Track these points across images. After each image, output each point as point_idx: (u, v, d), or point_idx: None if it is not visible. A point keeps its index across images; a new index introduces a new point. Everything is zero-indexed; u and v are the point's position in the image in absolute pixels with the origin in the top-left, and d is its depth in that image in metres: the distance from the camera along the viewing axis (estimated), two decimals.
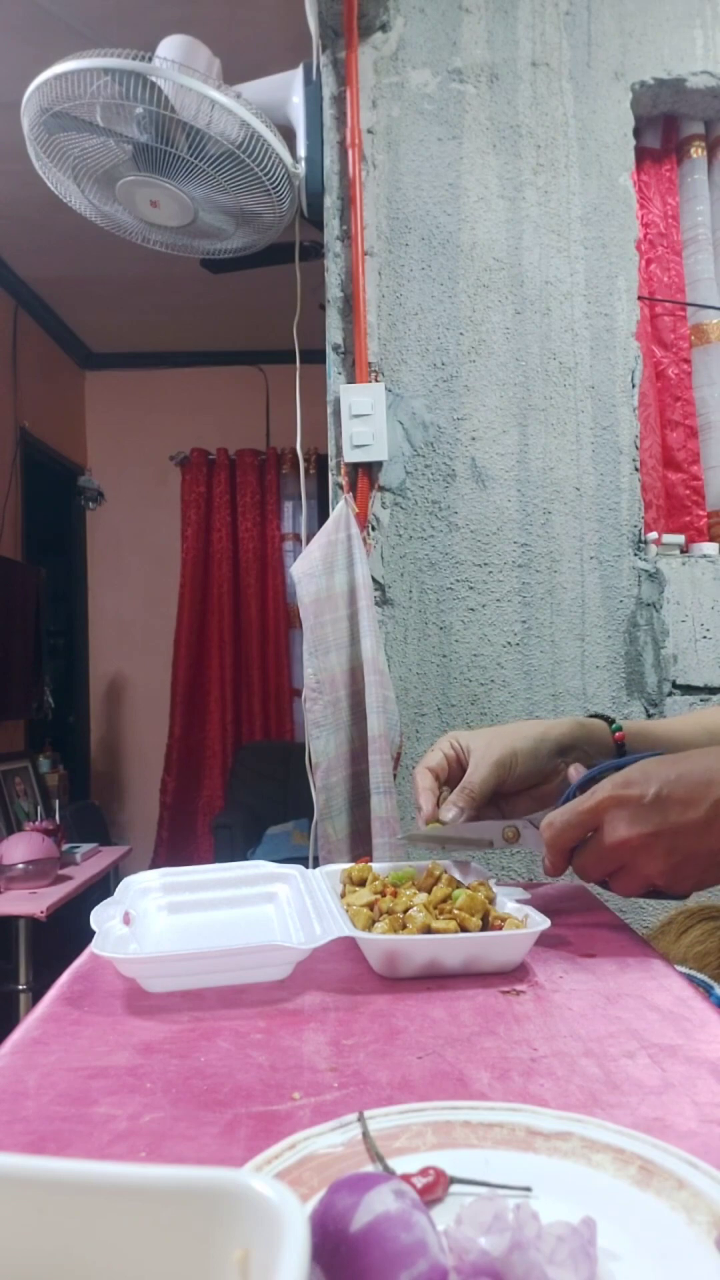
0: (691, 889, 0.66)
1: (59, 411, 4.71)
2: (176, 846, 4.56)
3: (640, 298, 1.79)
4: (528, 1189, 0.41)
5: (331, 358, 1.75)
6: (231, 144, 1.60)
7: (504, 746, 0.84)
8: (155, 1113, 0.49)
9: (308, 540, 1.71)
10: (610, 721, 0.90)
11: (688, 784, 0.63)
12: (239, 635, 4.72)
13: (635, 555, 1.73)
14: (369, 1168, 0.41)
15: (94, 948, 0.67)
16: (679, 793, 0.63)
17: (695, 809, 0.62)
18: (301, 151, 1.78)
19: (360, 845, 1.63)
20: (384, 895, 0.78)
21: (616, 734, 0.89)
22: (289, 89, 1.82)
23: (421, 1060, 0.55)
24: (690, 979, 0.72)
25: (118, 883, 0.88)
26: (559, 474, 1.74)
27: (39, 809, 3.66)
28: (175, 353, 4.88)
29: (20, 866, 2.79)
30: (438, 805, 0.82)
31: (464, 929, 0.71)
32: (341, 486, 1.73)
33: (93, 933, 0.70)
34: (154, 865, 2.57)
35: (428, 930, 0.71)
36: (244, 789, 4.18)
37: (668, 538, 1.78)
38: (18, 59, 2.62)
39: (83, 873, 3.06)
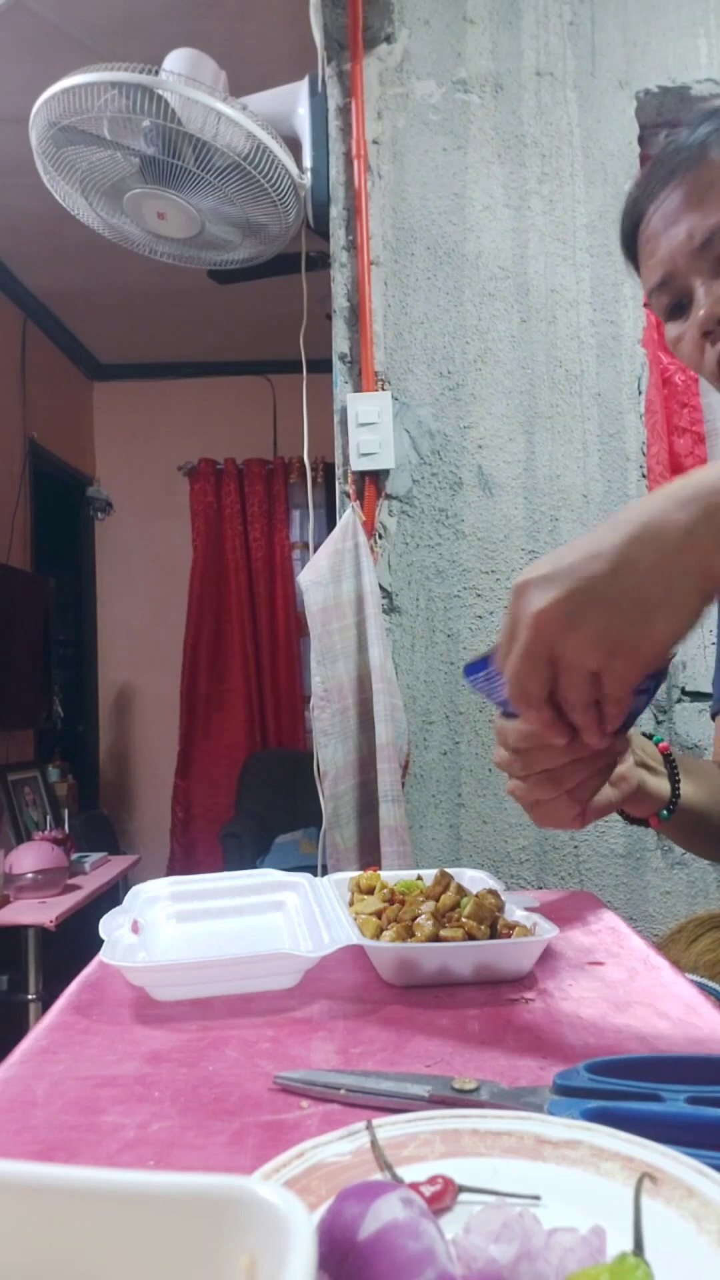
0: (633, 668, 0.53)
1: (67, 422, 4.74)
2: (186, 855, 4.56)
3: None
4: (536, 1197, 0.40)
5: (338, 367, 1.76)
6: (238, 156, 1.61)
7: None
8: (164, 1121, 0.49)
9: (315, 549, 1.72)
10: (649, 736, 0.89)
11: (591, 537, 0.54)
12: (249, 644, 4.73)
13: None
14: (377, 1176, 0.41)
15: (103, 956, 0.67)
16: (582, 546, 0.54)
17: (601, 557, 0.53)
18: (307, 162, 1.79)
19: (368, 853, 1.63)
20: (392, 903, 0.78)
21: (660, 744, 0.88)
22: (295, 101, 1.83)
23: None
24: (700, 987, 0.72)
25: (126, 892, 0.88)
26: (566, 481, 1.74)
27: (48, 818, 3.66)
28: (183, 363, 4.91)
29: (30, 876, 2.79)
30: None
31: (472, 937, 0.71)
32: (349, 495, 1.73)
33: (101, 941, 0.70)
34: (170, 874, 2.57)
35: (436, 938, 0.71)
36: (253, 798, 4.18)
37: None
38: (26, 74, 2.64)
39: (92, 882, 3.06)
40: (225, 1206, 0.27)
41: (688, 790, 0.88)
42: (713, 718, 1.08)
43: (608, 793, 0.73)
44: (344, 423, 1.73)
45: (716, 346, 0.81)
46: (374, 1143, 0.43)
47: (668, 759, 0.88)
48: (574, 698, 0.55)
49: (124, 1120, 0.50)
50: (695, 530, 0.51)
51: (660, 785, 0.86)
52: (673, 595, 0.52)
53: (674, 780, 0.88)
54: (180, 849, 4.57)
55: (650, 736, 0.89)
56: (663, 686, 1.72)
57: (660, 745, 0.88)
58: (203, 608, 4.71)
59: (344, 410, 1.73)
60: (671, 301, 0.82)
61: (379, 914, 0.76)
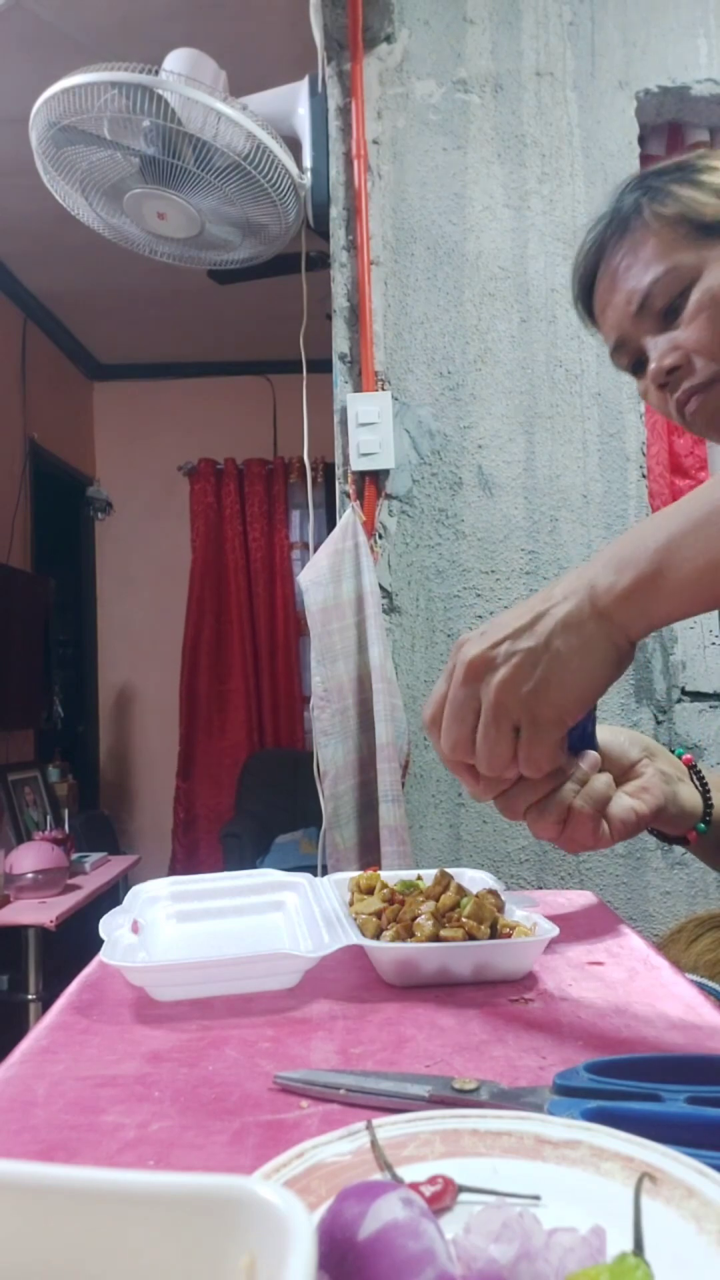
0: (548, 715, 0.58)
1: (68, 423, 4.74)
2: (186, 855, 4.56)
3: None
4: (536, 1197, 0.40)
5: (338, 367, 1.76)
6: (238, 156, 1.61)
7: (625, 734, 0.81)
8: (164, 1121, 0.49)
9: (315, 549, 1.72)
10: (674, 750, 0.88)
11: (532, 598, 0.61)
12: (248, 644, 4.73)
13: None
14: (377, 1176, 0.41)
15: (103, 956, 0.67)
16: (521, 606, 0.61)
17: (530, 614, 0.59)
18: (307, 162, 1.79)
19: (368, 853, 1.63)
20: (392, 903, 0.78)
21: (684, 756, 0.87)
22: (295, 101, 1.83)
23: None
24: (700, 987, 0.72)
25: (126, 892, 0.88)
26: (566, 481, 1.74)
27: (48, 818, 3.66)
28: (183, 363, 4.91)
29: (30, 876, 2.79)
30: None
31: (472, 937, 0.71)
32: (349, 495, 1.73)
33: (101, 941, 0.70)
34: (171, 874, 2.57)
35: (436, 938, 0.71)
36: (253, 798, 4.19)
37: None
38: (26, 74, 2.64)
39: (92, 882, 3.06)
40: (225, 1206, 0.27)
41: None
42: None
43: (629, 804, 0.73)
44: (344, 423, 1.73)
45: (675, 394, 0.86)
46: (374, 1143, 0.43)
47: (694, 770, 0.86)
48: (488, 738, 0.61)
49: (124, 1120, 0.50)
50: (620, 593, 0.55)
51: (692, 797, 0.83)
52: (589, 652, 0.57)
53: (705, 791, 0.86)
54: (181, 849, 4.57)
55: (675, 751, 0.87)
56: (662, 687, 1.72)
57: (684, 758, 0.86)
58: (202, 608, 4.71)
59: (344, 410, 1.73)
60: (631, 361, 0.88)
61: (379, 914, 0.76)
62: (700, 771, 0.87)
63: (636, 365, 0.88)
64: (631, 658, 0.59)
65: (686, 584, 0.54)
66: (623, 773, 0.78)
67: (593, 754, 0.68)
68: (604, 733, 0.78)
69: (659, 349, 0.82)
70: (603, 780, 0.70)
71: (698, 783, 0.86)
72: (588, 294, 0.91)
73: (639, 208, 0.84)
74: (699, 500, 0.55)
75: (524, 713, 0.59)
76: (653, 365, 0.83)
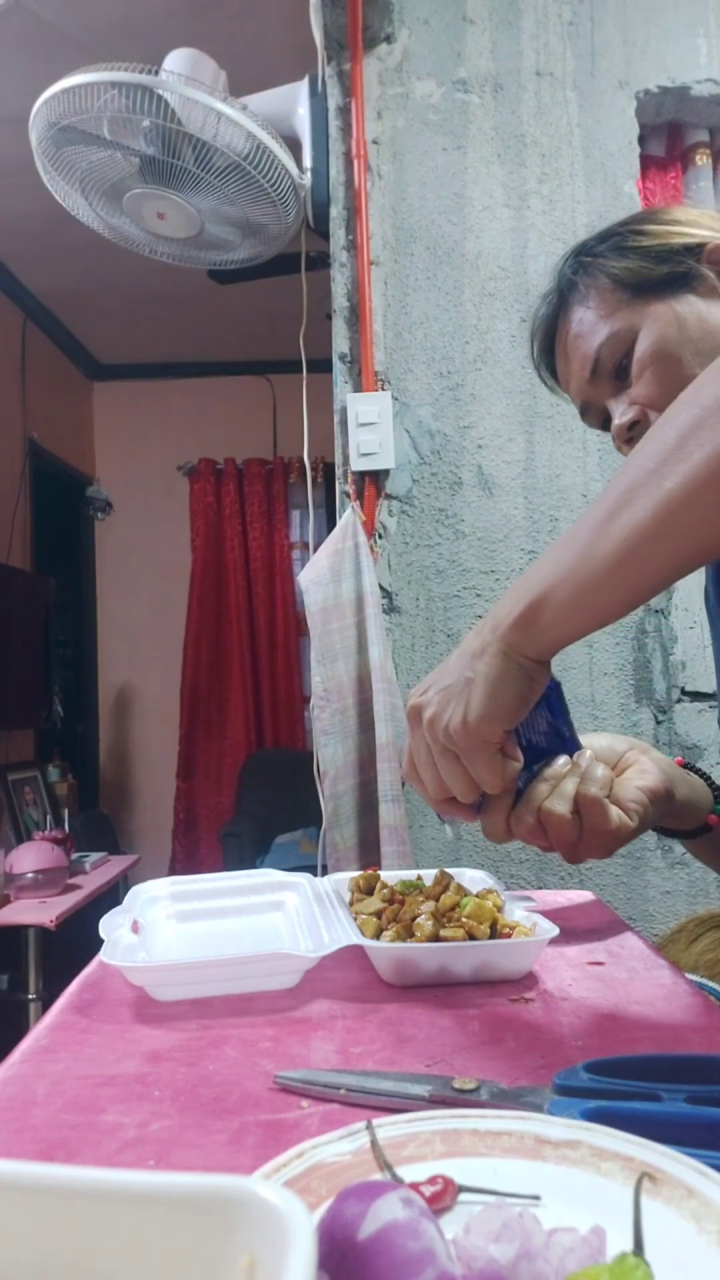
0: (470, 735, 0.66)
1: (67, 422, 4.74)
2: (186, 855, 4.56)
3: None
4: (536, 1197, 0.40)
5: (338, 367, 1.76)
6: (238, 156, 1.61)
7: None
8: (164, 1121, 0.49)
9: (315, 549, 1.72)
10: (711, 786, 0.91)
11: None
12: (249, 643, 4.73)
13: None
14: (377, 1176, 0.41)
15: (103, 956, 0.67)
16: (451, 654, 0.70)
17: (451, 657, 0.69)
18: (307, 162, 1.79)
19: (368, 853, 1.63)
20: (392, 903, 0.78)
21: (675, 759, 0.89)
22: (294, 101, 1.83)
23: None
24: (700, 987, 0.72)
25: (126, 891, 0.88)
26: (565, 481, 1.74)
27: (48, 818, 3.66)
28: (182, 363, 4.91)
29: (30, 876, 2.79)
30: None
31: (472, 937, 0.71)
32: (348, 495, 1.73)
33: (101, 941, 0.70)
34: (172, 874, 2.57)
35: (436, 938, 0.71)
36: (253, 798, 4.18)
37: None
38: (25, 74, 2.64)
39: (92, 882, 3.06)
40: (225, 1206, 0.27)
41: None
42: None
43: (635, 784, 0.79)
44: (344, 423, 1.73)
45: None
46: (374, 1143, 0.43)
47: (688, 768, 0.90)
48: (444, 770, 0.69)
49: (124, 1120, 0.50)
50: (514, 620, 0.63)
51: (694, 787, 0.87)
52: (497, 675, 0.64)
53: (707, 778, 0.90)
54: (181, 849, 4.57)
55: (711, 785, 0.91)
56: (662, 687, 1.72)
57: (676, 760, 0.89)
58: (203, 608, 4.71)
59: (344, 410, 1.73)
60: (599, 421, 0.94)
61: (379, 914, 0.76)
62: (695, 768, 0.90)
63: (605, 423, 0.93)
64: (543, 674, 0.66)
65: (564, 610, 0.62)
66: (615, 767, 0.83)
67: (562, 756, 0.74)
68: (591, 736, 0.83)
69: (620, 409, 0.88)
70: (600, 770, 0.75)
71: (697, 775, 0.89)
72: (550, 366, 0.98)
73: (574, 283, 0.90)
74: (578, 530, 0.61)
75: (454, 740, 0.66)
76: (614, 426, 0.89)
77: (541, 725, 0.71)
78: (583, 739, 0.78)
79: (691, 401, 0.56)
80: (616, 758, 0.84)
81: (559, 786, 0.73)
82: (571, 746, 0.73)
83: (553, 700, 0.71)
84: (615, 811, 0.75)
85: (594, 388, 0.90)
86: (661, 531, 0.56)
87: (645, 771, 0.82)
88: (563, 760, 0.74)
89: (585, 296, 0.88)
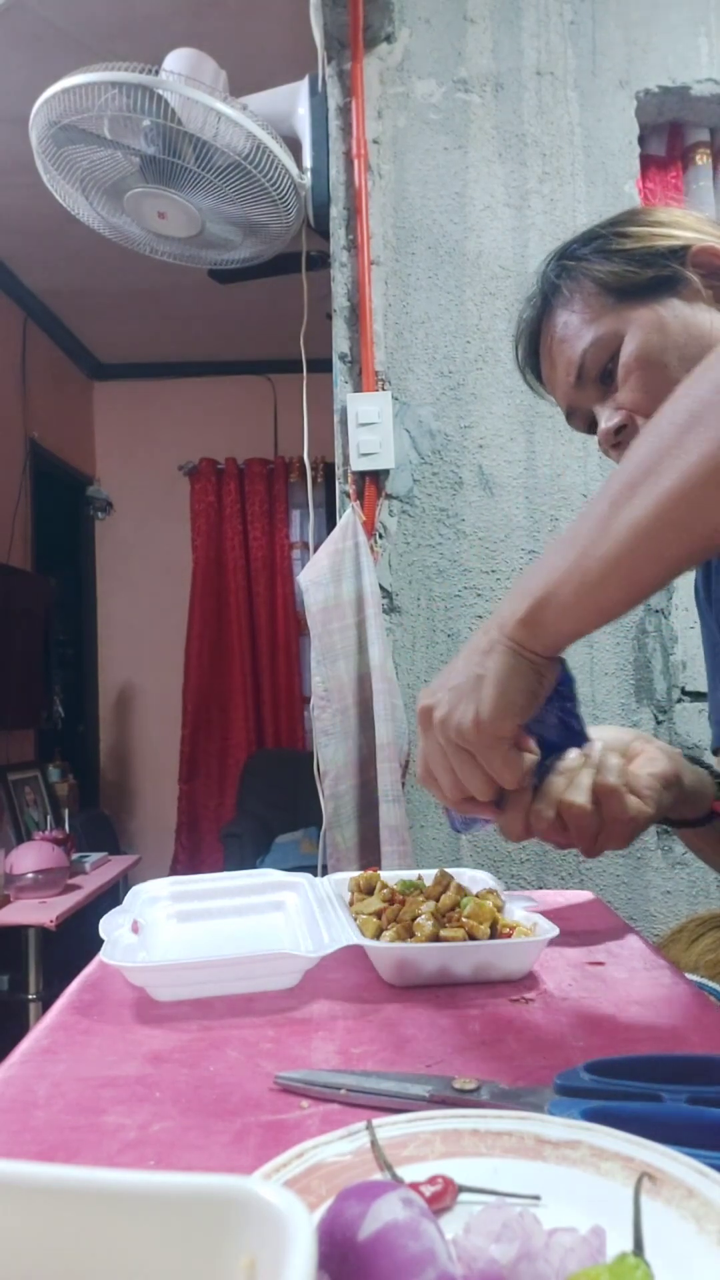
0: (481, 731, 0.66)
1: (68, 422, 4.73)
2: (187, 855, 4.56)
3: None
4: (536, 1197, 0.40)
5: (338, 367, 1.76)
6: (238, 155, 1.61)
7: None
8: (164, 1122, 0.49)
9: (315, 549, 1.72)
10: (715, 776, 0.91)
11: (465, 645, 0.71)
12: (249, 644, 4.73)
13: None
14: (377, 1176, 0.41)
15: (103, 956, 0.67)
16: (458, 654, 0.70)
17: (460, 657, 0.69)
18: (308, 162, 1.79)
19: (369, 853, 1.63)
20: (392, 903, 0.78)
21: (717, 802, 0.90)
22: (295, 100, 1.83)
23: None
24: (701, 988, 0.72)
25: (127, 892, 0.88)
26: (567, 480, 1.74)
27: (48, 818, 3.66)
28: (183, 363, 4.90)
29: (30, 876, 2.79)
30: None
31: (472, 937, 0.71)
32: (349, 495, 1.73)
33: (101, 941, 0.70)
34: (174, 874, 2.57)
35: (436, 938, 0.71)
36: (253, 798, 4.18)
37: None
38: (26, 74, 2.64)
39: (92, 882, 3.06)
40: (225, 1207, 0.27)
41: None
42: (714, 753, 1.08)
43: (647, 770, 0.80)
44: (344, 422, 1.73)
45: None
46: (374, 1143, 0.43)
47: (687, 758, 0.91)
48: (460, 770, 0.68)
49: (125, 1120, 0.50)
50: (520, 618, 0.64)
51: (697, 776, 0.89)
52: (506, 672, 0.65)
53: (707, 766, 0.91)
54: (181, 849, 4.58)
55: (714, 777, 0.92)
56: (662, 687, 1.72)
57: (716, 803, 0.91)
58: (204, 607, 4.71)
59: (344, 410, 1.73)
60: (585, 425, 0.94)
61: (379, 914, 0.76)
62: (695, 758, 0.91)
63: (591, 427, 0.93)
64: (552, 670, 0.67)
65: (568, 608, 0.62)
66: (623, 757, 0.83)
67: (574, 749, 0.74)
68: (597, 729, 0.83)
69: (606, 414, 0.88)
70: (613, 760, 0.76)
71: (699, 765, 0.90)
72: (535, 369, 0.97)
73: (558, 287, 0.89)
74: (579, 527, 0.61)
75: (468, 738, 0.66)
76: (601, 428, 0.89)
77: (552, 719, 0.72)
78: (595, 731, 0.79)
79: (688, 397, 0.56)
80: (623, 748, 0.85)
81: (575, 779, 0.74)
82: (582, 739, 0.74)
83: (563, 694, 0.71)
84: (633, 800, 0.76)
85: (579, 392, 0.90)
86: (661, 528, 0.56)
87: (654, 759, 0.83)
88: (574, 753, 0.74)
89: (569, 300, 0.88)
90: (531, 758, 0.69)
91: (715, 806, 0.90)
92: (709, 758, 1.05)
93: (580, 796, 0.73)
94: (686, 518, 0.55)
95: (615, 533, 0.58)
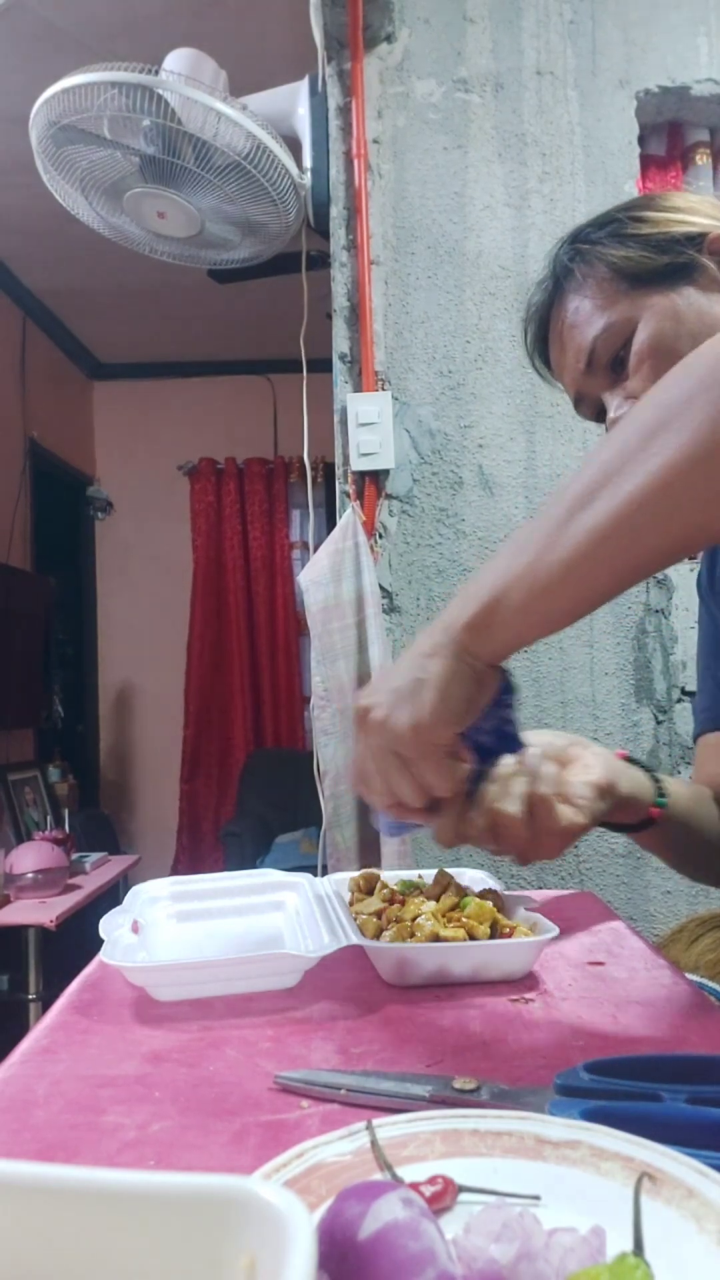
0: (420, 736, 0.63)
1: (67, 422, 4.73)
2: (187, 855, 4.56)
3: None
4: (536, 1197, 0.40)
5: (338, 367, 1.76)
6: (238, 155, 1.61)
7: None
8: (164, 1121, 0.49)
9: (315, 549, 1.72)
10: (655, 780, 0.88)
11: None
12: (249, 643, 4.73)
13: None
14: (377, 1176, 0.41)
15: (103, 956, 0.67)
16: (398, 659, 0.68)
17: (400, 661, 0.66)
18: (307, 162, 1.79)
19: (368, 853, 1.63)
20: (392, 903, 0.78)
21: (617, 752, 0.87)
22: (295, 100, 1.83)
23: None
24: (701, 987, 0.72)
25: (126, 892, 0.88)
26: (567, 480, 1.74)
27: (48, 818, 3.66)
28: (183, 363, 4.90)
29: (30, 876, 2.79)
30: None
31: (472, 937, 0.71)
32: (349, 495, 1.73)
33: (101, 941, 0.70)
34: (175, 874, 2.57)
35: (436, 938, 0.71)
36: (253, 798, 4.18)
37: None
38: (26, 74, 2.64)
39: (92, 882, 3.06)
40: (225, 1206, 0.27)
41: (675, 788, 0.88)
42: (694, 740, 1.07)
43: (582, 779, 0.77)
44: (344, 422, 1.73)
45: None
46: (374, 1143, 0.43)
47: (630, 761, 0.87)
48: (390, 775, 0.65)
49: (124, 1120, 0.50)
50: (465, 623, 0.61)
51: (637, 781, 0.85)
52: (448, 677, 0.62)
53: (648, 769, 0.88)
54: (181, 849, 4.58)
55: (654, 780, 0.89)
56: (662, 687, 1.72)
57: (618, 753, 0.87)
58: (204, 607, 4.71)
59: (344, 410, 1.73)
60: (593, 412, 0.92)
61: (379, 914, 0.76)
62: (636, 760, 0.88)
63: (599, 414, 0.91)
64: (493, 677, 0.64)
65: (517, 615, 0.60)
66: (558, 763, 0.80)
67: (509, 755, 0.71)
68: (533, 734, 0.80)
69: (614, 401, 0.86)
70: (547, 769, 0.74)
71: (639, 768, 0.87)
72: (544, 354, 0.95)
73: (570, 271, 0.88)
74: (534, 530, 0.59)
75: (403, 744, 0.64)
76: (609, 416, 0.87)
77: (489, 725, 0.69)
78: (530, 735, 0.76)
79: (655, 403, 0.54)
80: (559, 754, 0.82)
81: (509, 786, 0.72)
82: (517, 745, 0.71)
83: (504, 702, 0.69)
84: (565, 809, 0.73)
85: (589, 379, 0.88)
86: (619, 537, 0.54)
87: (589, 767, 0.80)
88: (509, 760, 0.72)
89: (582, 285, 0.86)
90: (465, 766, 0.67)
91: (653, 813, 0.86)
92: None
93: (513, 805, 0.71)
94: (646, 527, 0.53)
95: (571, 539, 0.56)
